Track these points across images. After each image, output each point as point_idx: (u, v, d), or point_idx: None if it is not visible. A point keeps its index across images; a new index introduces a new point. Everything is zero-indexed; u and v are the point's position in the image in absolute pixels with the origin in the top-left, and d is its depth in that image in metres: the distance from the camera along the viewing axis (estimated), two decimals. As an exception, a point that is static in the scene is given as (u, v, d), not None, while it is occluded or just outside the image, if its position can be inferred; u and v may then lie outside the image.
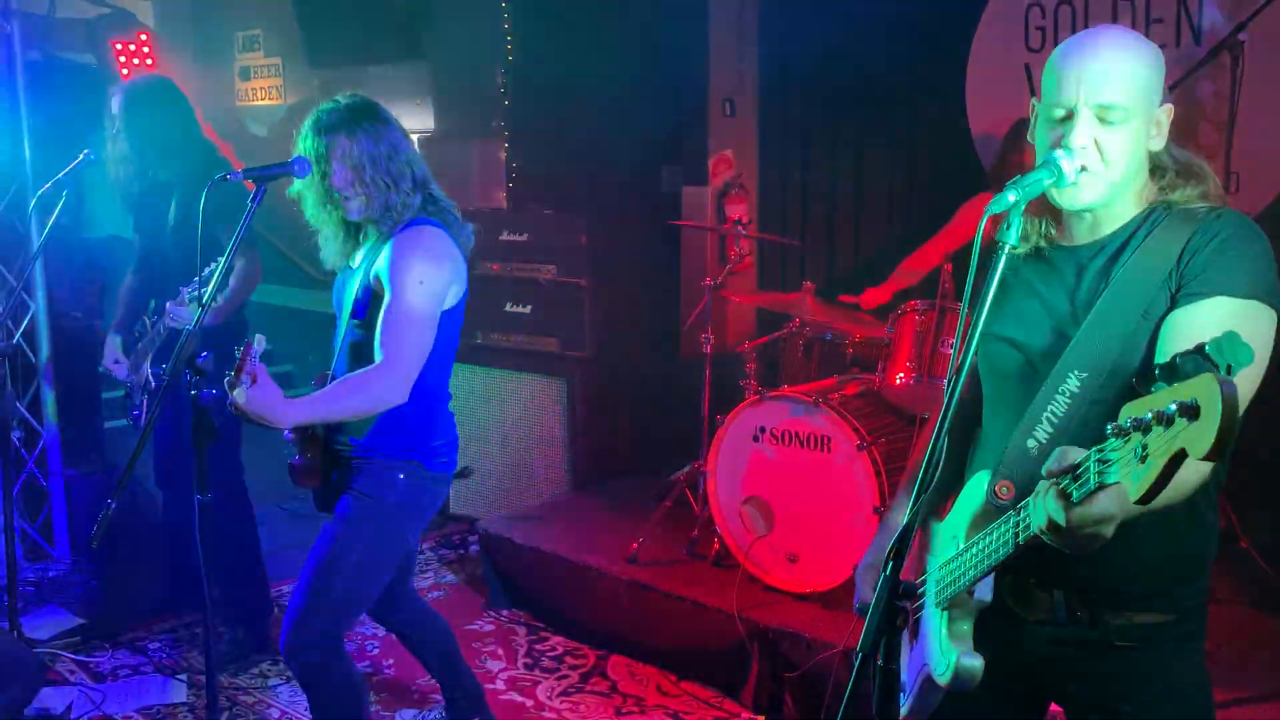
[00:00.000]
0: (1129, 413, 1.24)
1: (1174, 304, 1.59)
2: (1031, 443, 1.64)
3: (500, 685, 3.66)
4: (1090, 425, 1.60)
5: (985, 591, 1.67)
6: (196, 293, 3.02)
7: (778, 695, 3.42)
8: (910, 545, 1.51)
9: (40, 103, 4.56)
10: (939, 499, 1.94)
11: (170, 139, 3.62)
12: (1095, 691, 1.74)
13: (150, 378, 3.61)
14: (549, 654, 3.90)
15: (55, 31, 5.61)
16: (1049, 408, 1.63)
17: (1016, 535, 1.51)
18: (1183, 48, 3.78)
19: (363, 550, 2.65)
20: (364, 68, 6.30)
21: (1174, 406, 1.18)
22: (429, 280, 2.57)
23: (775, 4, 4.81)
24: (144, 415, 3.66)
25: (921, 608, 1.81)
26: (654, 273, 5.32)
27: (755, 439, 3.67)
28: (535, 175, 5.71)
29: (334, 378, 2.73)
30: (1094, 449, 1.32)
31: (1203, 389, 1.17)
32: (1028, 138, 1.77)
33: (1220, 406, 1.14)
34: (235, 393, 2.34)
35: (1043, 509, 1.39)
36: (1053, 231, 1.78)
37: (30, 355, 4.64)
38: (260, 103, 7.55)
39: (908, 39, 4.45)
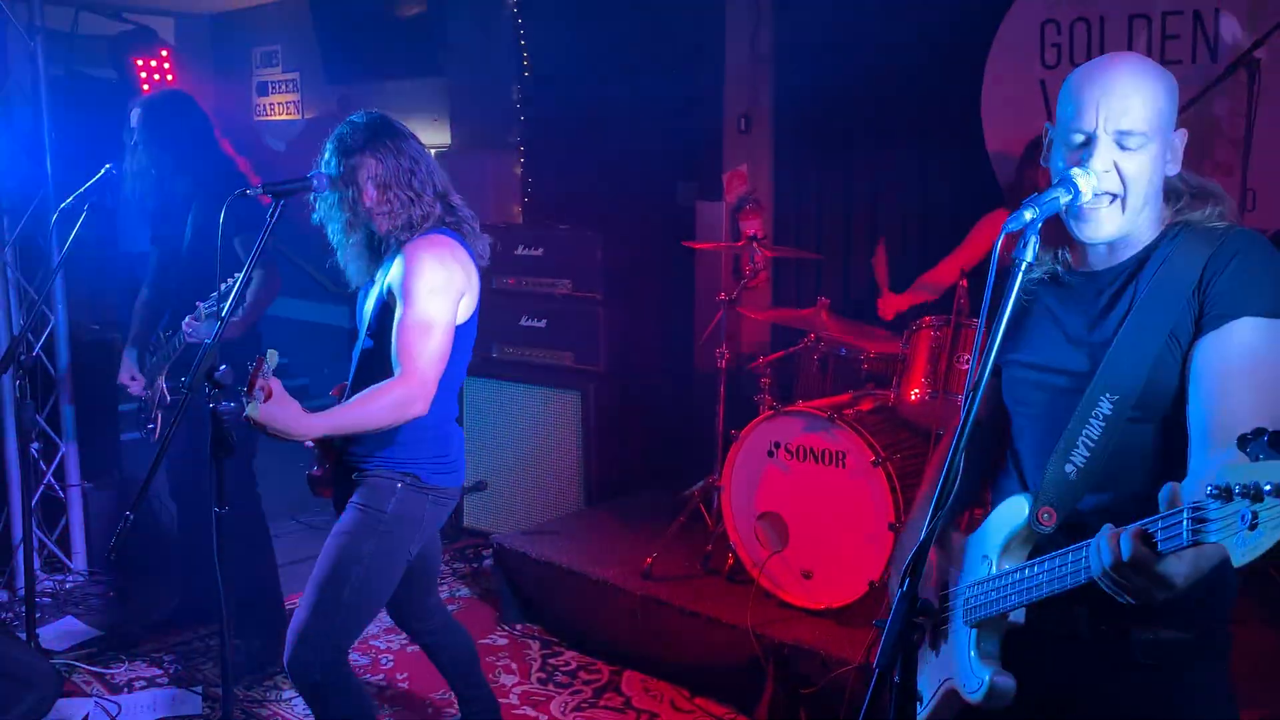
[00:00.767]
0: (1233, 478, 1.23)
1: (1200, 326, 1.60)
2: (1069, 468, 1.65)
3: (514, 700, 3.66)
4: (1125, 447, 1.63)
5: (1019, 614, 1.69)
6: (214, 307, 3.06)
7: (793, 712, 3.41)
8: (925, 563, 1.51)
9: (63, 118, 4.61)
10: (955, 515, 1.95)
11: (187, 152, 3.66)
12: (1117, 711, 1.73)
13: (165, 392, 3.63)
14: (563, 669, 3.90)
15: (78, 48, 5.68)
16: (1084, 432, 1.64)
17: (1072, 574, 1.52)
18: (1199, 64, 3.77)
19: (364, 565, 2.65)
20: (381, 83, 6.35)
21: None
22: (440, 288, 2.58)
23: (791, 20, 4.83)
24: (158, 429, 3.68)
25: (944, 620, 1.81)
26: (669, 287, 5.33)
27: (770, 454, 3.66)
28: (550, 190, 5.73)
29: (350, 389, 2.75)
30: (1188, 506, 1.31)
31: None
32: (1041, 161, 1.77)
33: None
34: (249, 408, 2.35)
35: (1110, 552, 1.40)
36: (1069, 258, 1.79)
37: (50, 368, 4.68)
38: (278, 118, 7.61)
39: (923, 56, 4.46)
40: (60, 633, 4.14)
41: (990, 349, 1.56)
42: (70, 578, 4.69)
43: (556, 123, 5.63)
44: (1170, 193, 1.72)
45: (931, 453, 2.08)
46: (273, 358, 2.39)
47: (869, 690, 1.50)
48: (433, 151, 6.35)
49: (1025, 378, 1.79)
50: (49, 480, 4.71)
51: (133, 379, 3.83)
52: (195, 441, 2.57)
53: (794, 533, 3.62)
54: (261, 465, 3.88)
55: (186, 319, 3.40)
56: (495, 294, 5.04)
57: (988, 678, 1.69)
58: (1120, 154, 1.62)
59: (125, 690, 3.73)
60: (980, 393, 1.53)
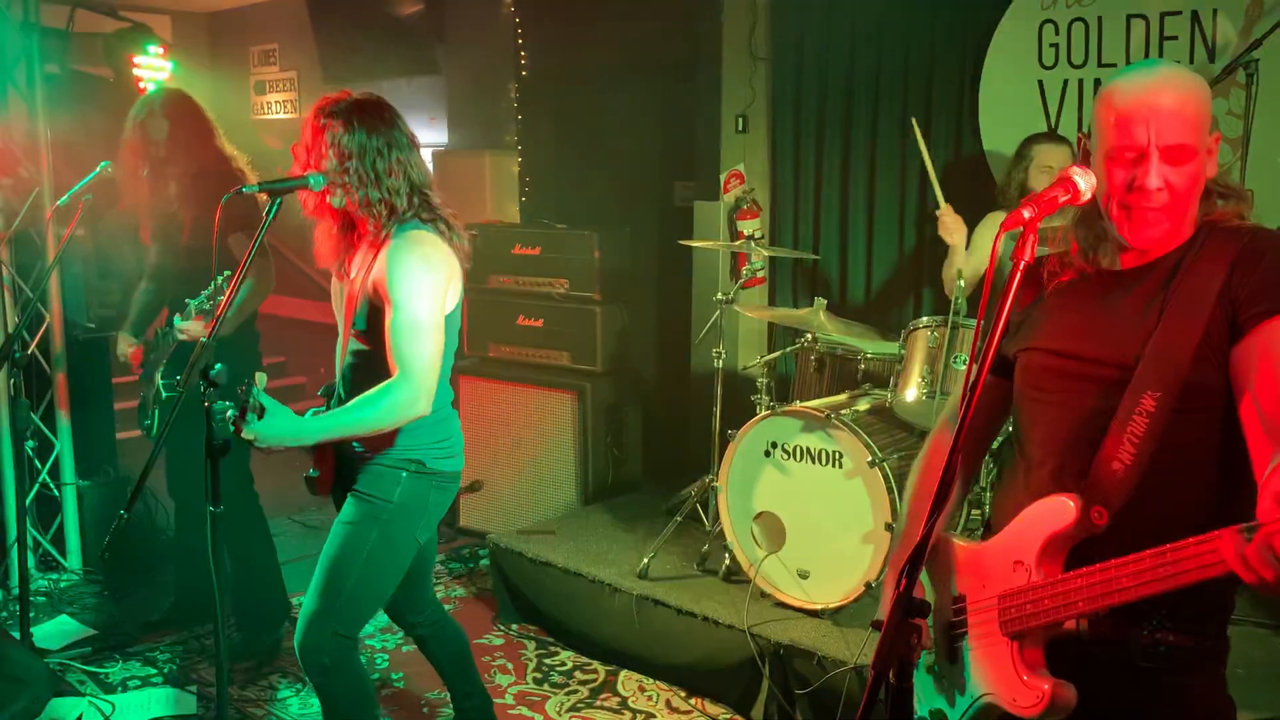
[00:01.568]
0: None
1: (1239, 327, 1.63)
2: (1117, 465, 1.65)
3: (509, 700, 3.65)
4: (1171, 442, 1.63)
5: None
6: (206, 304, 3.05)
7: (789, 712, 3.40)
8: (922, 563, 1.50)
9: (59, 115, 4.60)
10: (953, 517, 1.95)
11: (188, 153, 3.66)
12: (1117, 713, 1.72)
13: (161, 388, 3.63)
14: (558, 669, 3.89)
15: (74, 45, 5.66)
16: (1128, 429, 1.64)
17: (1186, 572, 1.44)
18: (1197, 65, 3.77)
19: (370, 552, 2.66)
20: (379, 82, 6.35)
21: None
22: (428, 287, 2.57)
23: (787, 20, 4.82)
24: (155, 426, 3.67)
25: (961, 633, 1.80)
26: (666, 287, 5.33)
27: (767, 454, 3.66)
28: (548, 190, 5.73)
29: (339, 390, 2.74)
30: None
31: None
32: (1093, 167, 1.76)
33: None
34: (245, 433, 2.36)
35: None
36: (1103, 258, 1.79)
37: (45, 366, 4.67)
38: (275, 116, 7.60)
39: (920, 55, 4.45)
40: (54, 632, 4.13)
41: (988, 351, 1.55)
42: (65, 576, 4.68)
43: (554, 122, 5.63)
44: (1204, 193, 1.74)
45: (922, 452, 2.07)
46: (261, 380, 2.39)
47: (866, 692, 1.50)
48: (429, 151, 6.36)
49: (1047, 365, 1.80)
50: (44, 479, 4.70)
51: (130, 347, 3.83)
52: (192, 440, 2.57)
53: (790, 533, 3.61)
54: (258, 465, 3.87)
55: (178, 316, 3.40)
56: (492, 293, 5.04)
57: (1048, 689, 1.65)
58: (1170, 169, 1.65)
59: (119, 689, 3.72)
60: (978, 391, 1.53)
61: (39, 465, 4.67)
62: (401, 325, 2.53)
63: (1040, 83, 4.15)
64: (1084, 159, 1.78)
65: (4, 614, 4.27)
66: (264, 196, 2.66)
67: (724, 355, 4.09)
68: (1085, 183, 1.64)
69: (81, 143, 4.51)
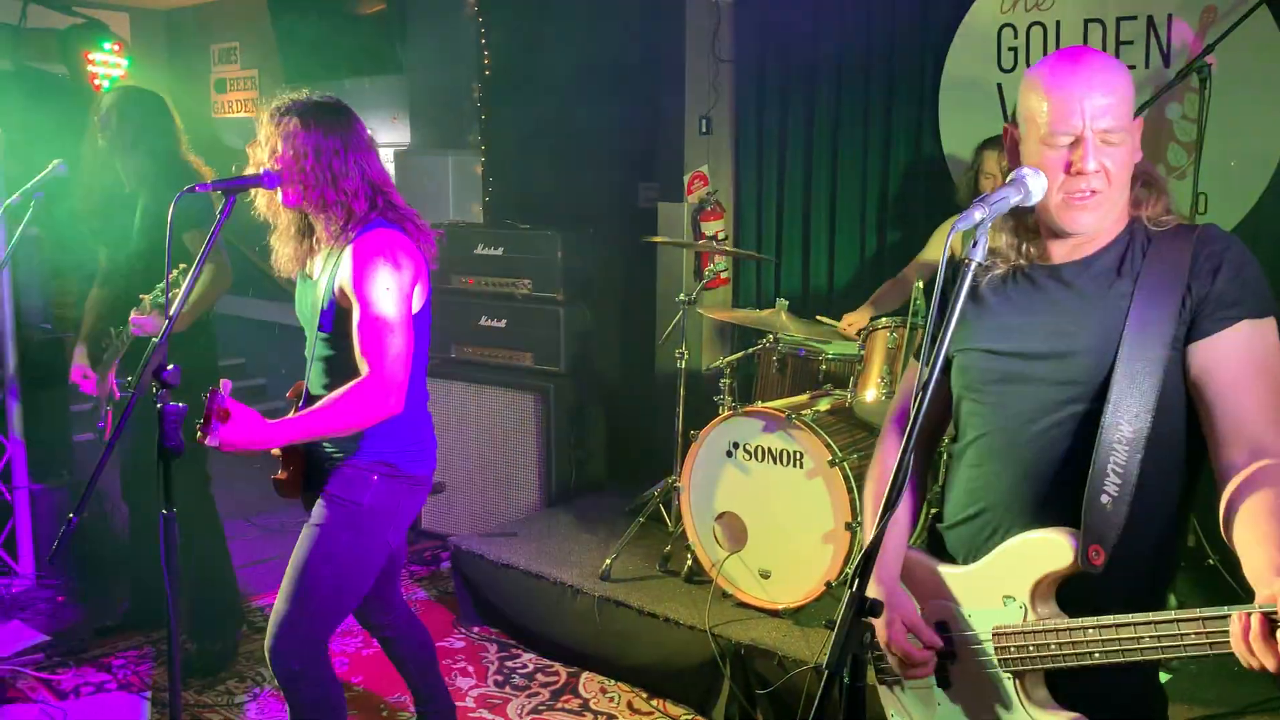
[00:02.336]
0: None
1: (1197, 331, 1.64)
2: (1105, 499, 1.63)
3: (470, 703, 3.63)
4: (1153, 467, 1.63)
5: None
6: (160, 298, 3.01)
7: (749, 712, 3.41)
8: (874, 563, 1.50)
9: (11, 112, 4.52)
10: (914, 521, 1.95)
11: (150, 154, 3.61)
12: (1055, 693, 1.74)
13: (115, 388, 3.57)
14: (520, 671, 3.88)
15: (26, 41, 5.57)
16: (1111, 459, 1.63)
17: (1201, 645, 1.42)
18: (1152, 69, 3.82)
19: (342, 556, 2.64)
20: (341, 81, 6.30)
21: None
22: (394, 285, 2.55)
23: (750, 22, 4.84)
24: (108, 427, 3.62)
25: (953, 656, 1.79)
26: (630, 288, 5.33)
27: (729, 454, 3.66)
28: (511, 190, 5.71)
29: (308, 391, 2.71)
30: None
31: None
32: (999, 163, 1.78)
33: None
34: (210, 440, 2.32)
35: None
36: (1033, 250, 1.80)
37: (-3, 367, 4.59)
38: (236, 115, 7.52)
39: (882, 57, 4.48)
40: (5, 638, 4.05)
41: (939, 350, 1.54)
42: (17, 581, 4.59)
43: (517, 122, 5.61)
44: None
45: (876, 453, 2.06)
46: (225, 388, 2.36)
47: (820, 691, 1.50)
48: (392, 150, 6.32)
49: (988, 366, 1.79)
50: (-4, 482, 4.62)
51: (85, 376, 3.77)
52: (146, 441, 2.52)
53: (752, 533, 3.62)
54: (217, 466, 3.82)
55: (133, 311, 3.35)
56: (455, 293, 5.01)
57: None
58: (1105, 151, 1.65)
59: (73, 696, 3.66)
60: (930, 390, 1.53)
61: (-9, 468, 4.59)
62: (367, 324, 2.51)
63: (999, 86, 4.19)
64: (1012, 149, 1.77)
65: (-46, 620, 4.20)
66: (218, 195, 2.62)
67: (687, 356, 4.10)
68: (1036, 184, 1.65)
69: (34, 139, 4.43)
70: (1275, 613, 1.28)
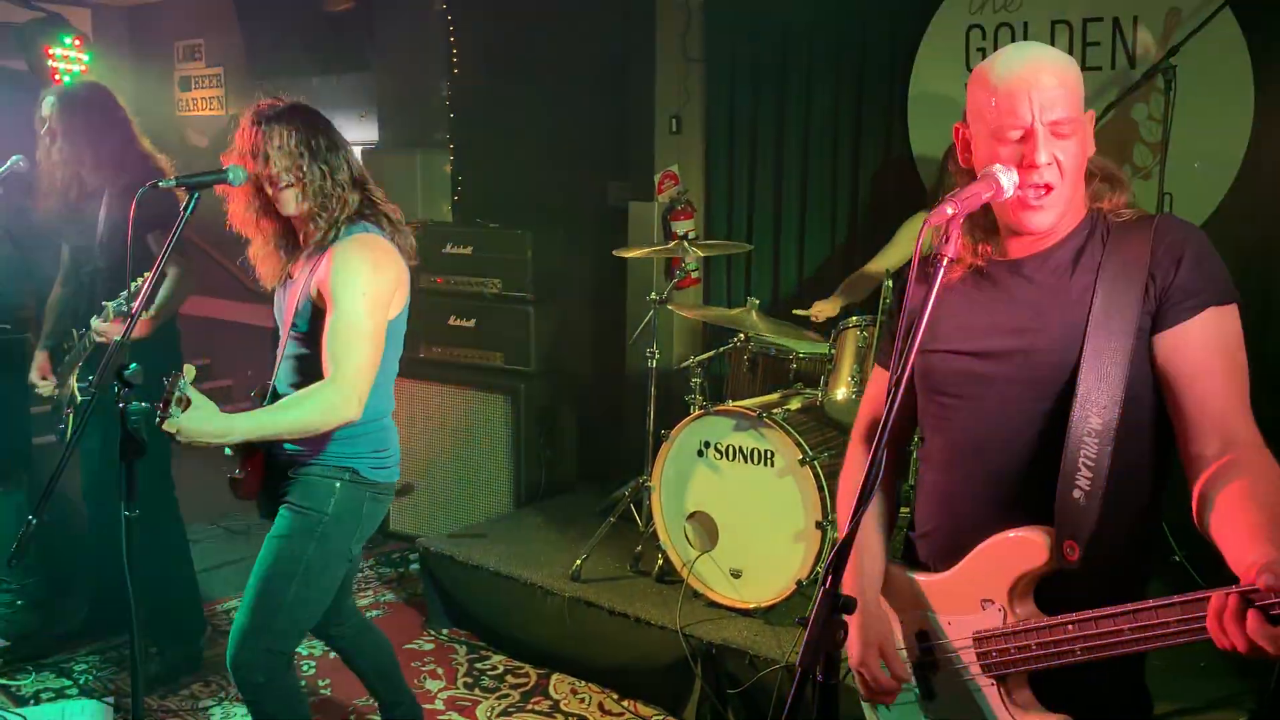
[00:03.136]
0: None
1: (1162, 320, 1.63)
2: (1077, 493, 1.61)
3: (439, 706, 3.60)
4: (1123, 459, 1.62)
5: None
6: (124, 306, 2.95)
7: (721, 712, 3.40)
8: (848, 560, 1.49)
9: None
10: (889, 521, 1.94)
11: (102, 146, 3.54)
12: (1040, 693, 1.74)
13: (76, 391, 3.51)
14: (490, 673, 3.85)
15: (-17, 36, 5.47)
16: (1082, 453, 1.61)
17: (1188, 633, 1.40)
18: (1118, 70, 3.86)
19: (306, 566, 2.60)
20: (308, 79, 6.23)
21: None
22: (372, 290, 2.52)
23: (720, 21, 4.83)
24: (69, 429, 3.56)
25: (934, 665, 1.78)
26: (600, 287, 5.30)
27: (700, 454, 3.66)
28: (480, 188, 5.67)
29: (275, 391, 2.67)
30: None
31: None
32: (959, 159, 1.78)
33: None
34: (168, 424, 2.28)
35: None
36: (990, 247, 1.78)
37: (-46, 368, 4.49)
38: (201, 113, 7.43)
39: (852, 57, 4.49)
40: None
41: (910, 345, 1.52)
42: (-25, 586, 4.50)
43: (486, 120, 5.57)
44: (1086, 174, 1.74)
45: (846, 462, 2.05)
46: (190, 373, 2.32)
47: (792, 690, 1.48)
48: (359, 148, 6.26)
49: (953, 366, 1.77)
50: (-47, 485, 4.52)
51: (43, 379, 3.70)
52: (108, 443, 2.48)
53: (723, 532, 3.61)
54: (180, 469, 3.77)
55: (95, 317, 3.29)
56: (423, 293, 4.96)
57: None
58: (1056, 144, 1.64)
59: (32, 702, 3.59)
60: (902, 388, 1.52)
61: (-52, 471, 4.50)
62: (339, 327, 2.48)
63: (967, 87, 4.20)
64: (964, 148, 1.76)
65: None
66: (182, 192, 2.57)
67: (658, 355, 4.09)
68: (1008, 180, 1.64)
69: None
70: (1254, 594, 1.27)
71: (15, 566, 4.32)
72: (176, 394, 2.28)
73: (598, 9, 5.08)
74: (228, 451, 2.63)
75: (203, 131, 7.35)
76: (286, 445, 2.63)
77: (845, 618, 1.46)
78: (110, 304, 3.11)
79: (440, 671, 3.84)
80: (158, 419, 2.27)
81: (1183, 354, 1.62)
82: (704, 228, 5.00)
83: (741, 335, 4.13)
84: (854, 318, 3.70)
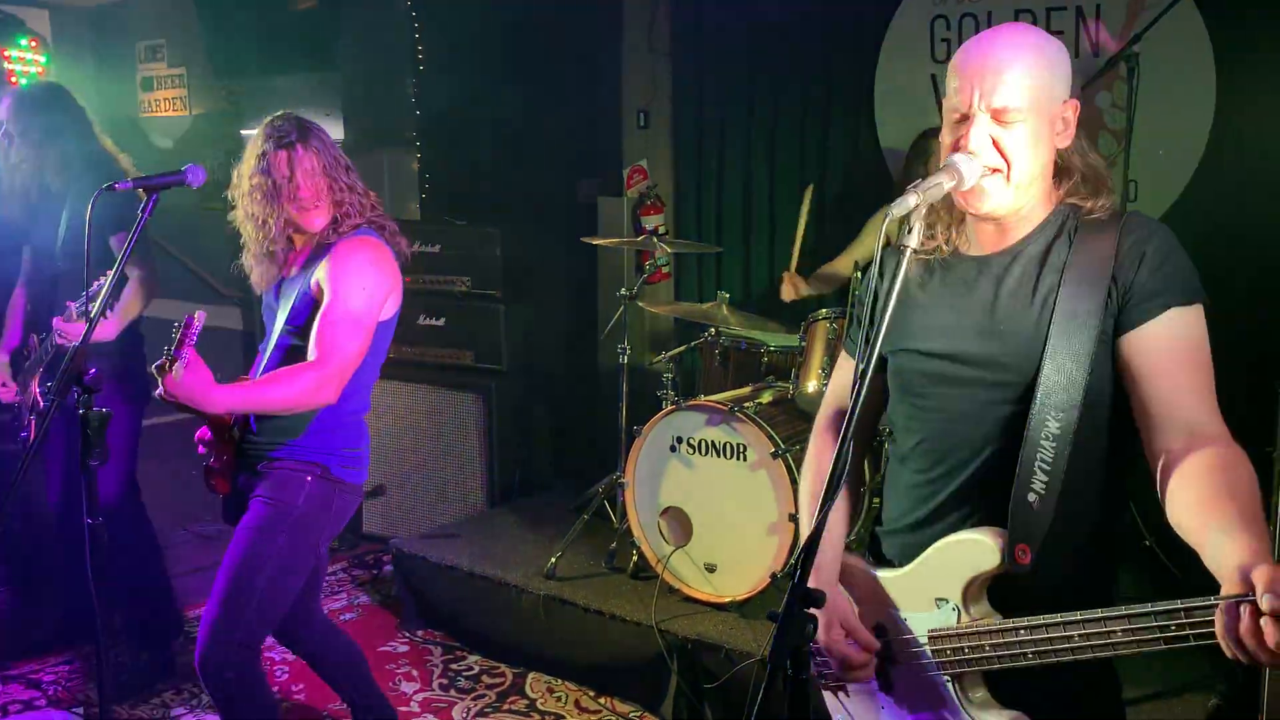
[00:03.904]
0: None
1: (1126, 319, 1.61)
2: (1032, 496, 1.60)
3: (415, 708, 3.57)
4: (1081, 463, 1.61)
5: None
6: (84, 308, 2.92)
7: (697, 707, 3.40)
8: (815, 554, 1.49)
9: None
10: (854, 514, 1.94)
11: (64, 148, 3.50)
12: (1005, 698, 1.74)
13: (38, 396, 3.46)
14: (465, 674, 3.83)
15: (-61, 37, 5.38)
16: (1038, 456, 1.60)
17: (1168, 636, 1.37)
18: (1082, 59, 3.88)
19: (276, 559, 2.61)
20: (272, 78, 6.17)
21: None
22: (371, 287, 2.60)
23: (687, 15, 4.83)
24: (30, 435, 3.50)
25: (892, 659, 1.77)
26: (571, 284, 5.29)
27: (673, 449, 3.65)
28: (448, 186, 5.63)
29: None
30: None
31: None
32: (941, 139, 1.77)
33: None
34: (161, 373, 2.30)
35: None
36: (958, 240, 1.77)
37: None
38: (164, 114, 7.34)
39: (818, 50, 4.50)
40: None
41: (875, 338, 1.51)
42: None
43: (454, 117, 5.53)
44: (1063, 168, 1.72)
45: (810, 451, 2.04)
46: (200, 319, 2.34)
47: (762, 684, 1.48)
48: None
49: (923, 368, 1.76)
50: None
51: (3, 385, 3.65)
52: (73, 448, 2.45)
53: (697, 527, 3.61)
54: (150, 474, 3.72)
55: (56, 319, 3.24)
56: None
57: None
58: (998, 130, 1.62)
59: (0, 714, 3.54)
60: (867, 381, 1.51)
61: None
62: (330, 315, 2.55)
63: (933, 77, 4.22)
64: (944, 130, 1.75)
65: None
66: (141, 194, 2.54)
67: (629, 351, 4.07)
68: (970, 169, 1.63)
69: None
70: (1259, 601, 1.22)
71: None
72: (187, 344, 2.31)
73: (565, 3, 5.05)
74: (201, 449, 2.66)
75: (166, 132, 7.26)
76: (258, 439, 2.64)
77: (813, 611, 1.46)
78: (73, 305, 3.08)
79: (415, 673, 3.82)
80: (159, 363, 2.30)
81: (1145, 355, 1.60)
82: (674, 222, 5.00)
83: (712, 329, 4.12)
84: (824, 310, 3.71)
